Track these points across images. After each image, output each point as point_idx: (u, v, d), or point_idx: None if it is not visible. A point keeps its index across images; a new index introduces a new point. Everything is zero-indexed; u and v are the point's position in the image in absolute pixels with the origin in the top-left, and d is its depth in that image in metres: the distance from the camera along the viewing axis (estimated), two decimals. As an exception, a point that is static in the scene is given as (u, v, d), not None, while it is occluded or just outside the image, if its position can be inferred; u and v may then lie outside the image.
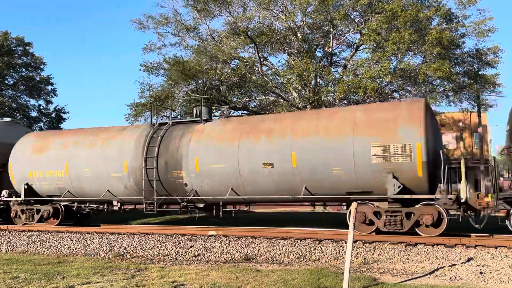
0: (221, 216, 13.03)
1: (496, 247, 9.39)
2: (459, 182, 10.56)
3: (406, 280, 7.51)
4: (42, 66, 36.16)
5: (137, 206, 15.08)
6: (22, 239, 12.83)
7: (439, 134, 11.92)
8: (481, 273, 7.77)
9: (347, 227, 7.16)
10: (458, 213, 10.67)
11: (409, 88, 24.06)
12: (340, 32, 25.16)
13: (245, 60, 25.40)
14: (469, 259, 8.66)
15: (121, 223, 16.55)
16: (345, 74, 23.20)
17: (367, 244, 10.20)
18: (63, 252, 11.50)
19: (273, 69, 26.29)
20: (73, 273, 8.33)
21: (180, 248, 10.94)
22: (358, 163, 10.79)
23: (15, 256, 11.03)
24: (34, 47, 38.03)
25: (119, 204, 14.35)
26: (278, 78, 25.81)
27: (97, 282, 7.60)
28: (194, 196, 12.90)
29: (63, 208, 14.96)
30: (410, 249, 9.60)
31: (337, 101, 23.36)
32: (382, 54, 21.04)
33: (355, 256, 9.37)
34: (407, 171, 10.43)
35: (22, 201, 15.30)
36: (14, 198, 15.56)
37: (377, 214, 10.88)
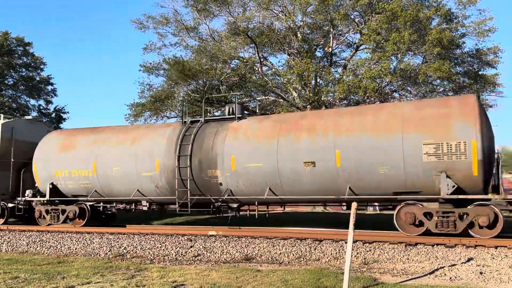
0: (256, 216, 12.66)
1: (496, 247, 9.39)
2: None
3: (406, 280, 7.51)
4: (42, 66, 36.20)
5: (165, 206, 14.61)
6: (22, 239, 12.82)
7: (491, 130, 11.32)
8: (481, 273, 7.77)
9: (347, 227, 7.16)
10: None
11: (409, 88, 24.07)
12: (340, 32, 25.16)
13: (245, 60, 25.39)
14: (469, 259, 8.65)
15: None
16: (345, 74, 23.19)
17: (367, 244, 10.19)
18: (63, 252, 11.50)
19: (273, 69, 26.29)
20: (73, 273, 8.33)
21: (180, 248, 10.94)
22: (408, 162, 10.32)
23: (15, 256, 11.03)
24: (34, 47, 38.07)
25: (148, 204, 13.97)
26: (278, 78, 25.80)
27: (97, 282, 7.60)
28: (228, 196, 12.52)
29: (89, 208, 14.63)
30: (410, 249, 9.59)
31: (337, 101, 23.36)
32: (382, 54, 21.04)
33: (355, 256, 9.37)
34: (462, 170, 9.94)
35: (45, 201, 14.97)
36: (38, 198, 15.18)
37: (426, 215, 10.45)
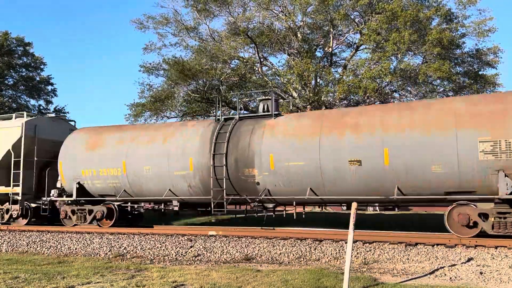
0: (294, 217, 12.19)
1: (496, 247, 9.38)
2: None
3: (406, 280, 7.51)
4: (42, 66, 36.26)
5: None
6: (22, 239, 12.82)
7: None
8: (481, 273, 7.77)
9: (347, 227, 7.16)
10: None
11: (409, 88, 24.10)
12: (340, 32, 25.20)
13: (245, 60, 25.42)
14: (469, 259, 8.65)
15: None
16: (345, 74, 23.22)
17: (367, 244, 10.19)
18: (63, 252, 11.50)
19: (273, 69, 26.31)
20: (73, 273, 8.33)
21: (180, 248, 10.93)
22: (462, 160, 9.81)
23: (15, 256, 11.03)
24: (34, 47, 38.13)
25: (178, 204, 13.48)
26: (278, 78, 25.83)
27: (97, 282, 7.60)
28: (266, 196, 11.96)
29: (117, 208, 14.21)
30: (410, 249, 9.59)
31: (337, 101, 23.37)
32: (382, 54, 21.06)
33: (355, 256, 9.37)
34: None
35: (70, 202, 14.57)
36: (65, 198, 14.68)
37: (480, 216, 10.00)
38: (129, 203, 14.26)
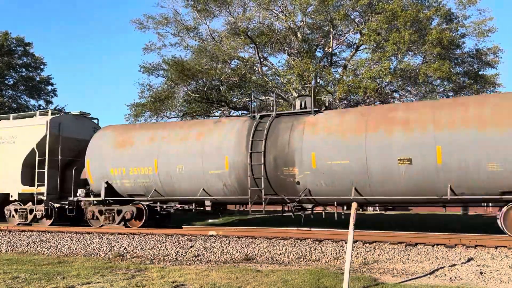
0: (335, 218, 11.67)
1: (496, 247, 9.39)
2: None
3: (406, 280, 7.51)
4: (42, 66, 36.25)
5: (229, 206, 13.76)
6: (22, 239, 12.82)
7: None
8: (481, 273, 7.77)
9: (347, 227, 7.16)
10: None
11: (409, 88, 24.09)
12: (340, 32, 25.18)
13: (245, 60, 25.41)
14: (469, 259, 8.65)
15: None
16: (345, 74, 23.21)
17: (367, 244, 10.19)
18: (63, 252, 11.50)
19: (273, 69, 26.31)
20: (73, 273, 8.33)
21: (180, 248, 10.93)
22: None
23: (15, 256, 11.03)
24: (34, 47, 38.13)
25: (211, 203, 13.18)
26: (278, 78, 25.82)
27: (97, 282, 7.60)
28: (306, 196, 11.58)
29: (147, 208, 13.84)
30: (410, 249, 9.59)
31: (337, 101, 23.36)
32: (382, 54, 21.05)
33: (355, 256, 9.37)
34: None
35: (95, 202, 14.24)
36: (92, 198, 14.26)
37: None
38: (158, 203, 13.86)
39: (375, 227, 12.35)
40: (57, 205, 15.28)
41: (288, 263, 9.52)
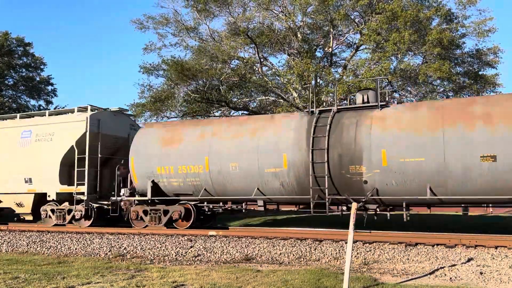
0: (405, 219, 10.96)
1: (496, 247, 9.39)
2: None
3: (406, 281, 7.51)
4: (42, 67, 36.25)
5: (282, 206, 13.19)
6: (22, 239, 12.83)
7: None
8: (481, 273, 7.77)
9: (347, 227, 7.16)
10: None
11: (409, 89, 24.09)
12: (340, 32, 25.19)
13: (245, 60, 25.42)
14: (469, 259, 8.65)
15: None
16: (345, 74, 23.22)
17: (367, 244, 10.19)
18: (63, 253, 11.50)
19: (273, 69, 26.32)
20: (73, 274, 8.34)
21: (180, 248, 10.94)
22: None
23: (15, 256, 11.04)
24: (34, 47, 38.14)
25: (263, 203, 12.54)
26: (278, 78, 25.83)
27: (97, 283, 7.61)
28: (372, 196, 10.94)
29: (194, 208, 13.27)
30: (410, 249, 9.59)
31: (337, 101, 23.35)
32: (382, 55, 21.06)
33: (355, 256, 9.37)
34: None
35: (138, 202, 13.74)
36: (138, 198, 13.70)
37: None
38: (205, 203, 13.30)
39: (375, 227, 12.34)
40: (95, 205, 14.76)
41: (288, 263, 9.52)
